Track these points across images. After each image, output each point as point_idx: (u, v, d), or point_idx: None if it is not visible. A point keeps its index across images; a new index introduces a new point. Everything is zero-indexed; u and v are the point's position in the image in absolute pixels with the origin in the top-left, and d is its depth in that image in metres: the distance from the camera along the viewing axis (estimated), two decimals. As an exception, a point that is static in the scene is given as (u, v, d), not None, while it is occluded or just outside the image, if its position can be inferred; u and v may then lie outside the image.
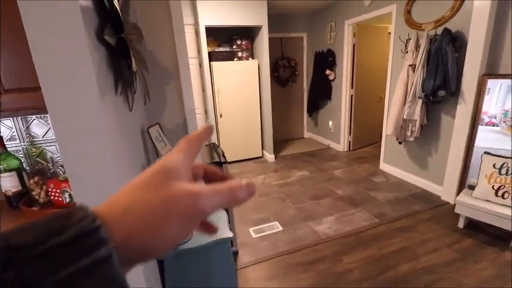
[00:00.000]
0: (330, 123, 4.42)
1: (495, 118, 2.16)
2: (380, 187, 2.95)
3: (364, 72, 3.90)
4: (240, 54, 3.72)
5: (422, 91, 2.45)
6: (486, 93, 2.16)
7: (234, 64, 3.60)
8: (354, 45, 3.72)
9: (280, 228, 2.30)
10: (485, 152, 2.07)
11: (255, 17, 3.39)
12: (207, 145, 2.19)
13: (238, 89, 3.66)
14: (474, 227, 2.11)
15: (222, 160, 1.96)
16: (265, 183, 3.22)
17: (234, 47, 3.70)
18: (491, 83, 2.14)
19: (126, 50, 0.74)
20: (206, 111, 3.61)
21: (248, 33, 3.79)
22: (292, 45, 4.62)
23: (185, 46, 1.40)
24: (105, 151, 0.70)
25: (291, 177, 3.36)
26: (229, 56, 3.67)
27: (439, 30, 2.37)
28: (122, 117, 0.86)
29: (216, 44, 3.64)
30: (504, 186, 1.92)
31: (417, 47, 2.49)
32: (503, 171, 1.93)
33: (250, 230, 2.29)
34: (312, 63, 4.61)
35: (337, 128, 4.27)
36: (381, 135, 3.41)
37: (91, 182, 0.71)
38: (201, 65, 3.42)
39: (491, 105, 2.17)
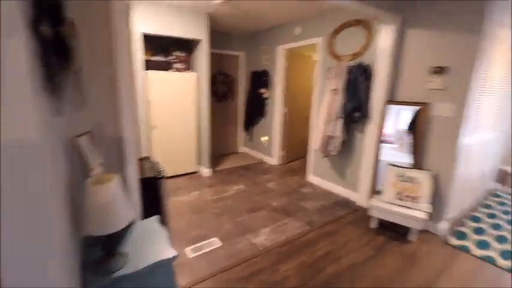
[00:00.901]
0: (264, 138, 4.66)
1: (392, 137, 2.69)
2: (309, 197, 3.23)
3: (294, 92, 4.31)
4: (177, 65, 3.61)
5: (343, 112, 2.86)
6: (386, 116, 2.67)
7: (172, 75, 3.47)
8: (286, 68, 4.09)
9: (220, 244, 2.25)
10: (390, 164, 2.53)
11: (195, 30, 3.39)
12: (140, 159, 2.01)
13: (174, 100, 3.52)
14: (384, 226, 2.51)
15: (159, 175, 1.83)
16: (201, 199, 3.13)
17: (172, 57, 3.58)
18: (390, 108, 2.66)
19: (62, 46, 0.65)
20: (137, 122, 3.33)
21: (187, 45, 3.74)
22: (230, 62, 4.76)
23: (125, 50, 1.30)
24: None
25: (228, 191, 3.36)
26: (166, 66, 3.52)
27: (355, 62, 2.85)
28: (45, 121, 0.73)
29: (150, 53, 3.45)
30: (403, 191, 2.37)
31: (338, 74, 2.91)
32: (403, 179, 2.40)
33: (186, 249, 2.16)
34: (248, 81, 4.83)
35: (270, 143, 4.52)
36: (309, 149, 3.78)
37: None
38: (133, 73, 3.17)
39: (390, 127, 2.70)
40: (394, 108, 2.64)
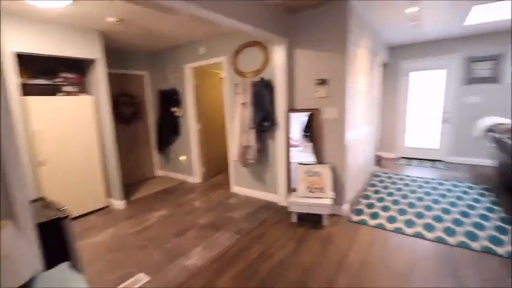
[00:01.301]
0: (182, 157, 4.54)
1: (298, 141, 3.12)
2: (235, 207, 3.33)
3: (207, 108, 4.40)
4: (67, 88, 3.16)
5: (254, 123, 3.12)
6: (290, 123, 3.08)
7: (62, 100, 3.00)
8: (195, 85, 4.15)
9: (147, 279, 2.06)
10: (299, 163, 2.90)
11: (86, 49, 3.06)
12: (33, 200, 1.66)
13: (68, 128, 3.05)
14: (302, 218, 2.84)
15: (61, 216, 1.56)
16: (118, 235, 2.78)
17: (59, 80, 3.11)
18: (292, 115, 3.07)
19: None
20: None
21: (79, 66, 3.32)
22: (134, 82, 4.47)
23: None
24: None
25: (149, 220, 3.10)
26: (52, 90, 3.03)
27: (258, 78, 3.18)
28: None
29: (27, 75, 2.91)
30: (312, 184, 2.75)
31: (245, 89, 3.18)
32: (310, 174, 2.79)
33: (108, 293, 1.89)
34: (156, 100, 4.64)
35: (189, 162, 4.44)
36: (229, 162, 3.91)
37: None
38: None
39: (295, 132, 3.12)
40: (295, 115, 3.07)
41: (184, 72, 4.12)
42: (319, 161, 2.95)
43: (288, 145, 3.09)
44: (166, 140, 4.63)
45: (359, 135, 3.39)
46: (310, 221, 2.81)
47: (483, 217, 2.73)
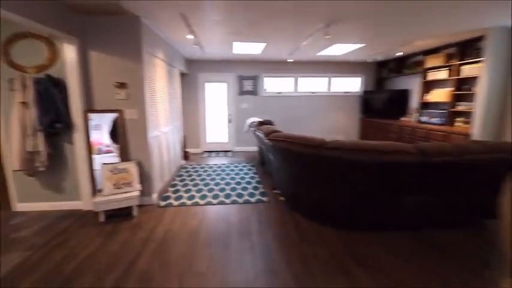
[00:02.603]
0: None
1: (108, 146, 3.16)
2: (21, 226, 2.80)
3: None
4: None
5: (41, 125, 2.78)
6: (96, 128, 3.05)
7: None
8: None
9: None
10: (103, 163, 2.96)
11: None
12: None
13: None
14: (111, 216, 2.94)
15: None
16: None
17: None
18: (93, 116, 3.05)
19: None
20: None
21: None
22: None
23: None
24: None
25: None
26: None
27: (44, 75, 2.84)
28: None
29: None
30: (119, 181, 2.93)
31: (25, 86, 2.75)
32: (116, 171, 2.94)
33: None
34: None
35: None
36: (6, 174, 3.14)
37: None
38: None
39: (106, 137, 3.13)
40: (97, 116, 3.07)
41: None
42: (126, 158, 3.17)
43: (90, 146, 3.04)
44: None
45: (162, 133, 3.92)
46: (121, 215, 2.98)
47: (248, 183, 4.12)
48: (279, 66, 6.43)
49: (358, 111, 6.94)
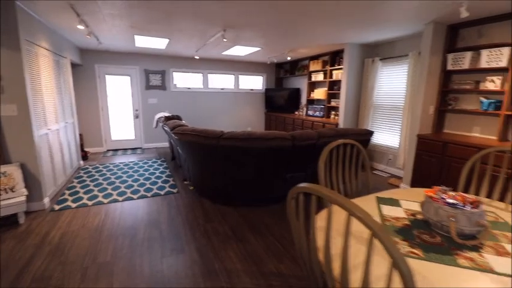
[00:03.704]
0: None
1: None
2: None
3: None
4: None
5: None
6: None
7: None
8: None
9: None
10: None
11: None
12: None
13: None
14: (-12, 228, 2.57)
15: None
16: None
17: None
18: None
19: None
20: None
21: None
22: None
23: None
24: None
25: None
26: None
27: None
28: None
29: None
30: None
31: None
32: (-9, 176, 2.57)
33: None
34: None
35: None
36: None
37: None
38: None
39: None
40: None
41: None
42: (4, 160, 2.77)
43: (-51, 149, 2.53)
44: None
45: (52, 131, 3.54)
46: (5, 225, 2.63)
47: (158, 177, 4.18)
48: (187, 62, 6.53)
49: (262, 106, 7.77)
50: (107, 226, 2.68)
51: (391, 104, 4.47)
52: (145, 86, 6.21)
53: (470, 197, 1.27)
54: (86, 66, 5.59)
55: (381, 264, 0.96)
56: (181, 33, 3.99)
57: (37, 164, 2.96)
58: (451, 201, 1.23)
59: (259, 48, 5.16)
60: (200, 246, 2.35)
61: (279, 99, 7.17)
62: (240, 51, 5.44)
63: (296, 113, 6.76)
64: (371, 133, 3.37)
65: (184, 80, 6.68)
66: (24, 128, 2.84)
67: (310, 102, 6.26)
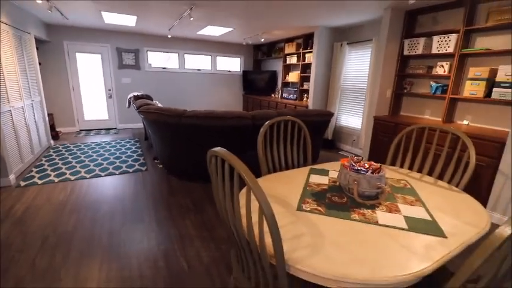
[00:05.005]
0: None
1: None
2: None
3: None
4: None
5: None
6: None
7: None
8: None
9: None
10: None
11: None
12: None
13: None
14: (-50, 203, 2.60)
15: None
16: None
17: None
18: None
19: None
20: None
21: None
22: None
23: None
24: None
25: None
26: None
27: None
28: None
29: None
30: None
31: None
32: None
33: None
34: None
35: None
36: None
37: None
38: None
39: None
40: None
41: None
42: (-37, 137, 2.77)
43: None
44: None
45: (15, 109, 3.50)
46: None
47: (129, 156, 4.25)
48: (162, 41, 6.41)
49: (240, 88, 7.81)
50: (71, 201, 2.78)
51: (356, 87, 4.66)
52: (118, 65, 6.09)
53: (376, 165, 1.47)
54: (54, 43, 5.40)
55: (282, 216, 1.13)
56: (147, 10, 3.94)
57: (0, 141, 2.97)
58: (356, 167, 1.42)
59: (232, 29, 5.15)
60: (160, 217, 2.51)
61: (257, 82, 7.23)
62: (214, 31, 5.41)
63: (272, 95, 6.87)
64: (331, 114, 3.56)
65: (159, 59, 6.58)
66: (-18, 104, 2.82)
67: (285, 85, 6.37)
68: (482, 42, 2.97)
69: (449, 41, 3.11)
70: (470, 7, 2.93)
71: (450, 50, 3.11)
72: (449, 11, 3.25)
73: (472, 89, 2.96)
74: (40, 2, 3.27)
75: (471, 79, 2.96)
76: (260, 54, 7.43)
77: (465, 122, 3.20)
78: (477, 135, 2.60)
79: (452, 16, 3.22)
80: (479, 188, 2.60)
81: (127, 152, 4.47)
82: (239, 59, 7.59)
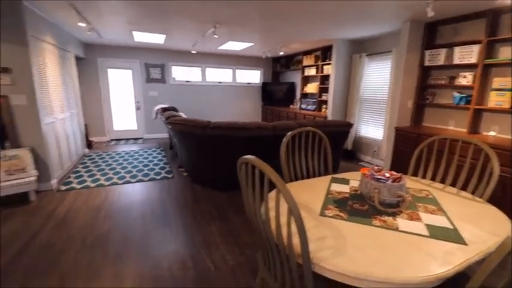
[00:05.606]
0: None
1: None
2: None
3: None
4: None
5: None
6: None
7: None
8: None
9: None
10: (-14, 151, 2.86)
11: None
12: None
13: None
14: (6, 202, 2.91)
15: None
16: None
17: None
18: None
19: None
20: None
21: None
22: None
23: None
24: None
25: None
26: None
27: None
28: None
29: None
30: (11, 167, 2.91)
31: None
32: (6, 159, 2.91)
33: None
34: None
35: None
36: None
37: None
38: None
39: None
40: (-29, 102, 2.88)
41: None
42: (15, 145, 3.11)
43: (-32, 135, 2.87)
44: None
45: (58, 120, 3.87)
46: (16, 201, 2.98)
47: (156, 164, 4.50)
48: (185, 56, 6.79)
49: (260, 100, 8.01)
50: (105, 205, 3.01)
51: (376, 97, 4.68)
52: (146, 79, 6.51)
53: (396, 174, 1.53)
54: (89, 60, 5.90)
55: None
56: (175, 29, 4.25)
57: (45, 149, 3.29)
58: (377, 176, 1.49)
59: (252, 44, 5.38)
60: (186, 223, 2.66)
61: (275, 93, 7.40)
62: (234, 46, 5.67)
63: (291, 106, 6.99)
64: (350, 125, 3.60)
65: (183, 73, 6.95)
66: (32, 116, 3.16)
67: (304, 96, 6.47)
68: (505, 52, 2.93)
69: (472, 51, 3.09)
70: (493, 18, 2.92)
71: (473, 60, 3.09)
72: (470, 22, 3.25)
73: (497, 99, 2.91)
74: (83, 25, 3.65)
75: (496, 89, 2.92)
76: (279, 66, 7.63)
77: (492, 133, 3.12)
78: (502, 147, 2.55)
79: (474, 26, 3.21)
80: (504, 199, 2.53)
81: (154, 160, 4.73)
82: (259, 71, 7.83)
